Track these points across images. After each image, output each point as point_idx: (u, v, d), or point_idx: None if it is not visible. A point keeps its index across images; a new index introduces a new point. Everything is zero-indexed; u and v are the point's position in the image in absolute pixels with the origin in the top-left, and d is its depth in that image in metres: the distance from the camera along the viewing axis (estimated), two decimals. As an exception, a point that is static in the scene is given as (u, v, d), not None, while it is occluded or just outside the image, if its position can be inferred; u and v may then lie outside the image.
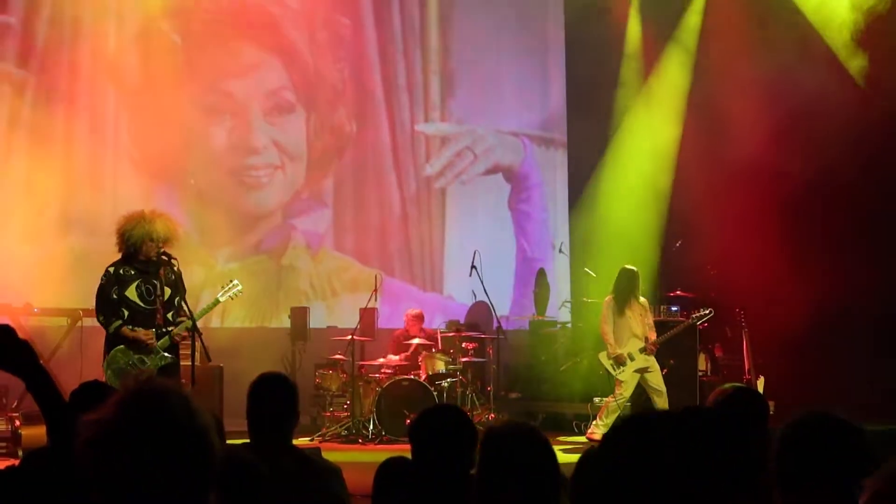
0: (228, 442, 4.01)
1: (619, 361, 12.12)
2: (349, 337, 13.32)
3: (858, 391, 12.12)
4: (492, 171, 16.67)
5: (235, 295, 9.59)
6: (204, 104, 15.11)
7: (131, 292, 8.65)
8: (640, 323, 12.32)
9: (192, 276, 14.32)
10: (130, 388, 2.11)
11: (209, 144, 15.10)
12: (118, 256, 8.86)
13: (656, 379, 12.08)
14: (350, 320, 14.12)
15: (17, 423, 10.79)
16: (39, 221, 14.01)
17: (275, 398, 4.75)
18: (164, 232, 8.77)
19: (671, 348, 12.72)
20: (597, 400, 13.05)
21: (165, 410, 2.09)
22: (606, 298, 12.37)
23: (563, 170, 17.11)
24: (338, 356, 13.41)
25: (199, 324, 9.08)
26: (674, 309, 13.87)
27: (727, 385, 4.53)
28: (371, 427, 12.63)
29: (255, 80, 15.39)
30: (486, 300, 13.55)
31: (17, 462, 4.40)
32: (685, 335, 12.76)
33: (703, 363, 13.57)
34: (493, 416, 13.00)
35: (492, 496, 3.39)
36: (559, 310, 16.14)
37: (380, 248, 15.93)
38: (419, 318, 13.88)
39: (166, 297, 8.81)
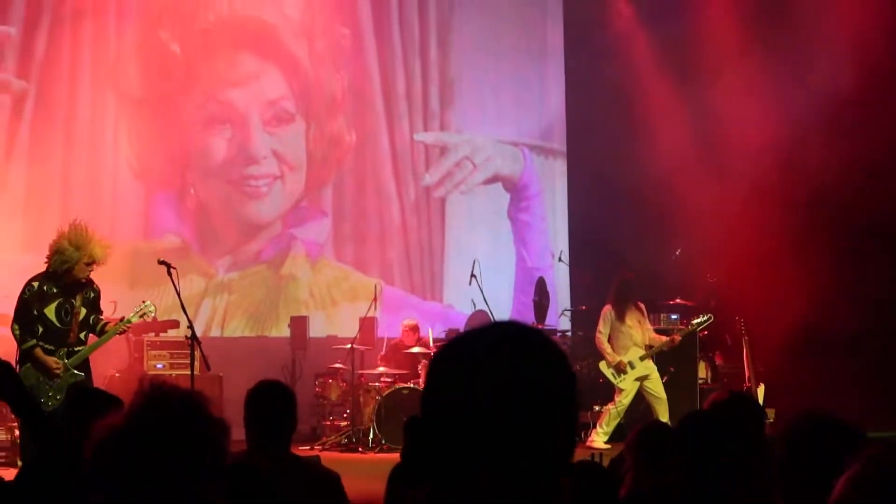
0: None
1: (619, 369, 12.13)
2: (349, 346, 13.32)
3: (859, 400, 12.09)
4: (491, 180, 16.67)
5: (147, 315, 9.43)
6: (203, 114, 15.13)
7: (50, 311, 8.61)
8: (639, 330, 12.34)
9: (192, 287, 14.36)
10: (144, 393, 2.10)
11: (209, 154, 15.11)
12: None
13: (656, 386, 12.09)
14: (350, 329, 14.12)
15: (17, 432, 10.78)
16: (39, 230, 13.99)
17: (272, 406, 4.75)
18: (102, 257, 8.72)
19: (671, 356, 12.73)
20: (597, 408, 13.04)
21: (178, 416, 2.09)
22: (605, 308, 12.37)
23: (563, 179, 17.10)
24: (338, 365, 13.41)
25: (198, 333, 9.08)
26: (673, 317, 13.87)
27: (721, 391, 4.52)
28: (371, 435, 12.62)
29: (254, 89, 15.40)
30: (485, 309, 13.55)
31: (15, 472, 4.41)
32: (685, 343, 12.76)
33: (703, 371, 13.57)
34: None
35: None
36: (559, 318, 16.12)
37: (379, 257, 15.92)
38: (415, 329, 13.87)
39: (82, 316, 8.75)
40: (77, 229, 8.72)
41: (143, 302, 9.43)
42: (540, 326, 15.12)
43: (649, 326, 12.57)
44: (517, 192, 16.79)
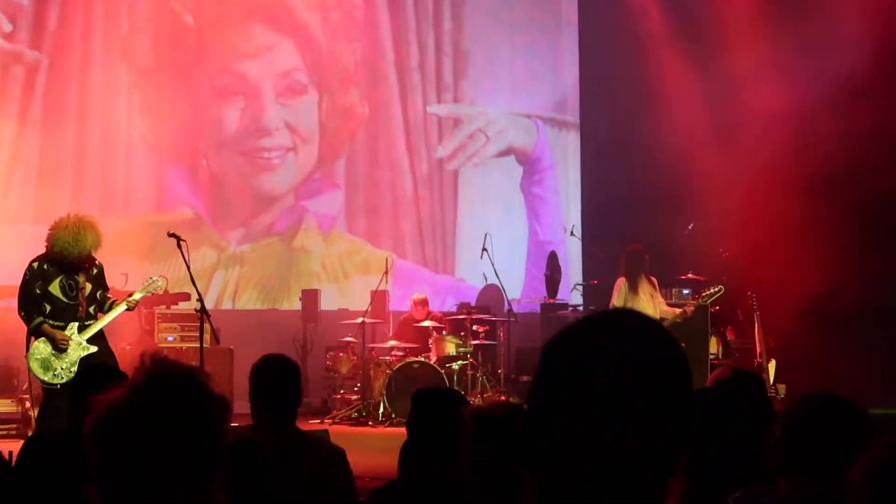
0: (233, 424, 4.01)
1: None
2: (360, 319, 13.32)
3: (871, 375, 12.08)
4: (504, 153, 16.62)
5: (156, 290, 9.48)
6: (216, 85, 15.12)
7: (54, 287, 8.61)
8: (651, 304, 12.31)
9: (205, 259, 14.39)
10: (145, 369, 2.09)
11: (221, 126, 15.11)
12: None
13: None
14: (361, 303, 14.11)
15: (28, 404, 10.83)
16: (52, 203, 14.02)
17: (277, 380, 4.73)
18: (96, 246, 8.71)
19: (683, 331, 12.67)
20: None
21: (179, 393, 2.07)
22: (618, 281, 12.34)
23: (576, 152, 17.04)
24: (349, 339, 13.42)
25: (210, 305, 9.09)
26: (685, 292, 13.81)
27: (724, 368, 4.48)
28: (381, 409, 12.64)
29: (267, 61, 15.37)
30: (497, 283, 13.55)
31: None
32: (697, 318, 12.72)
33: (714, 346, 13.53)
34: (503, 398, 12.99)
35: (483, 476, 3.38)
36: (571, 293, 16.10)
37: (392, 230, 15.91)
38: (424, 303, 13.85)
39: (88, 291, 8.77)
40: (73, 222, 8.69)
41: (151, 277, 9.44)
42: (551, 301, 15.13)
43: (661, 300, 12.53)
44: (530, 164, 16.74)
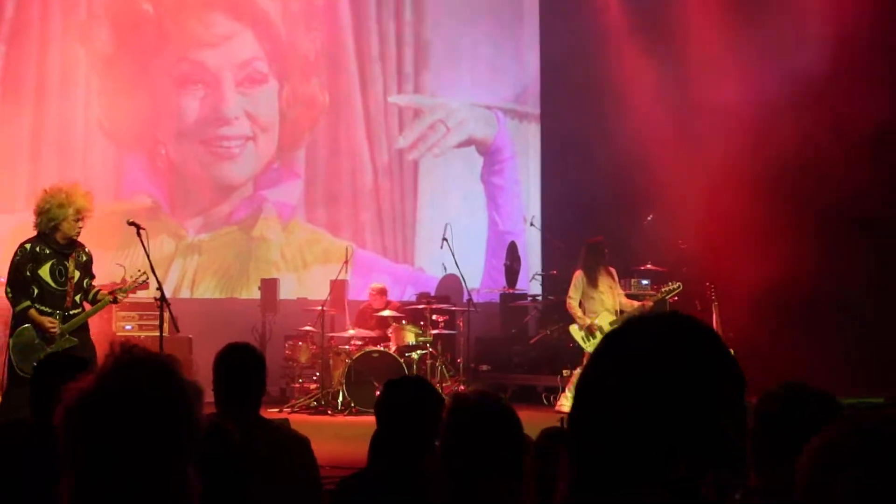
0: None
1: (590, 332, 12.16)
2: (319, 308, 13.30)
3: (829, 365, 12.18)
4: (465, 143, 16.64)
5: (141, 284, 9.42)
6: (176, 74, 15.02)
7: (44, 271, 8.51)
8: (611, 296, 12.37)
9: (163, 248, 14.29)
10: (115, 356, 2.07)
11: (181, 114, 15.02)
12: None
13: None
14: (320, 292, 14.10)
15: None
16: (9, 189, 13.92)
17: (242, 369, 4.72)
18: (87, 207, 8.61)
19: (641, 322, 12.75)
20: (566, 372, 13.09)
21: (150, 381, 2.06)
22: (576, 273, 12.39)
23: (536, 143, 17.10)
24: (308, 328, 13.40)
25: (168, 294, 9.04)
26: (644, 282, 13.92)
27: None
28: (340, 398, 12.63)
29: (227, 50, 15.29)
30: (457, 273, 13.57)
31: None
32: (655, 309, 12.79)
33: (672, 337, 13.59)
34: (462, 387, 13.02)
35: (456, 465, 3.39)
36: (530, 282, 16.17)
37: (351, 219, 15.89)
38: (383, 292, 13.87)
39: (76, 279, 8.70)
40: (55, 189, 8.62)
41: (138, 270, 9.36)
42: (511, 291, 15.18)
43: (620, 291, 12.60)
44: (490, 155, 16.77)
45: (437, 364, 13.18)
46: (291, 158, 15.70)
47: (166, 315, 9.01)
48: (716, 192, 13.85)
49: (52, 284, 8.53)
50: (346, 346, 13.13)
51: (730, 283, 13.13)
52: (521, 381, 14.46)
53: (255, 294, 14.55)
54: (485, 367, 14.66)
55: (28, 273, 8.48)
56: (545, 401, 13.55)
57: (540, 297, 15.84)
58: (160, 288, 8.85)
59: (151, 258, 8.95)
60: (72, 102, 14.53)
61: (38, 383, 4.61)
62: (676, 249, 14.02)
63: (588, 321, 12.15)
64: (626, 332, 1.75)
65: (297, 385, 13.32)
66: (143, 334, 12.52)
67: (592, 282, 12.25)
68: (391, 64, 16.29)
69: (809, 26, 13.57)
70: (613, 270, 12.46)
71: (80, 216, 8.55)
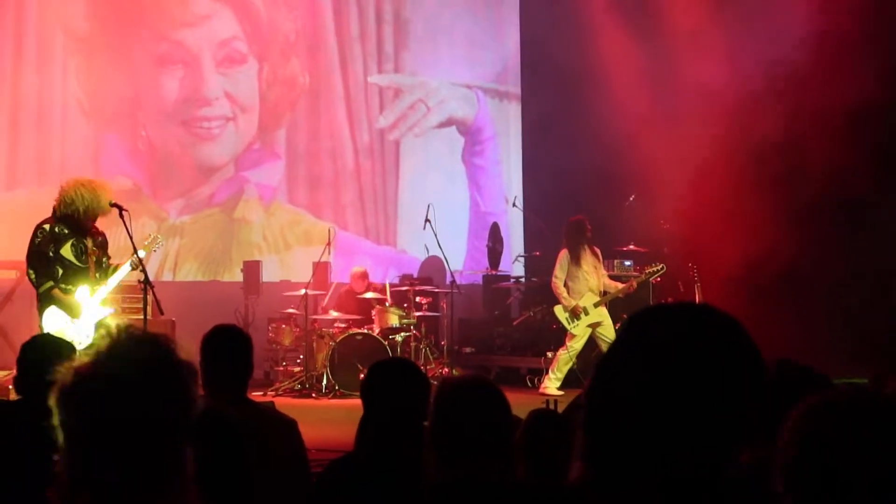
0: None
1: (574, 314, 12.17)
2: (302, 291, 13.25)
3: (812, 346, 12.21)
4: (445, 123, 16.60)
5: (158, 247, 9.55)
6: (155, 54, 14.92)
7: (66, 250, 8.59)
8: (595, 276, 12.38)
9: (144, 230, 14.14)
10: (110, 336, 2.05)
11: (160, 95, 14.93)
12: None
13: (609, 333, 12.13)
14: (303, 274, 14.04)
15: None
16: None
17: (229, 351, 4.73)
18: (109, 203, 8.70)
19: (625, 302, 12.78)
20: (549, 354, 13.10)
21: (146, 360, 2.04)
22: (561, 252, 12.39)
23: (517, 123, 17.08)
24: (291, 310, 13.35)
25: (150, 277, 9.01)
26: (627, 263, 13.94)
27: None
28: (324, 381, 12.60)
29: (206, 29, 15.19)
30: (439, 254, 13.54)
31: None
32: (638, 290, 12.82)
33: (655, 317, 13.62)
34: (446, 370, 13.02)
35: (445, 447, 3.38)
36: (513, 264, 16.16)
37: (333, 201, 15.84)
38: (364, 276, 13.84)
39: (95, 257, 8.75)
40: (85, 183, 8.77)
41: (150, 234, 9.50)
42: (493, 272, 15.16)
43: (604, 272, 12.63)
44: (471, 135, 16.74)
45: (421, 346, 13.17)
46: (272, 139, 15.63)
47: (150, 298, 8.96)
48: (698, 172, 13.85)
49: (76, 262, 8.65)
50: (330, 329, 13.10)
51: (712, 264, 13.15)
52: (504, 363, 14.46)
53: (238, 276, 14.50)
54: (468, 349, 14.65)
55: (51, 254, 8.56)
56: (529, 383, 13.55)
57: (523, 279, 15.83)
58: (144, 270, 8.81)
59: (134, 240, 8.90)
60: (49, 83, 14.42)
61: (24, 362, 4.63)
62: (659, 230, 14.03)
63: (573, 303, 12.15)
64: (652, 319, 1.73)
65: (281, 368, 13.28)
66: (126, 317, 12.43)
67: (576, 260, 12.26)
68: (371, 43, 16.22)
69: (792, 8, 13.56)
70: (598, 251, 12.48)
71: (100, 212, 8.73)
